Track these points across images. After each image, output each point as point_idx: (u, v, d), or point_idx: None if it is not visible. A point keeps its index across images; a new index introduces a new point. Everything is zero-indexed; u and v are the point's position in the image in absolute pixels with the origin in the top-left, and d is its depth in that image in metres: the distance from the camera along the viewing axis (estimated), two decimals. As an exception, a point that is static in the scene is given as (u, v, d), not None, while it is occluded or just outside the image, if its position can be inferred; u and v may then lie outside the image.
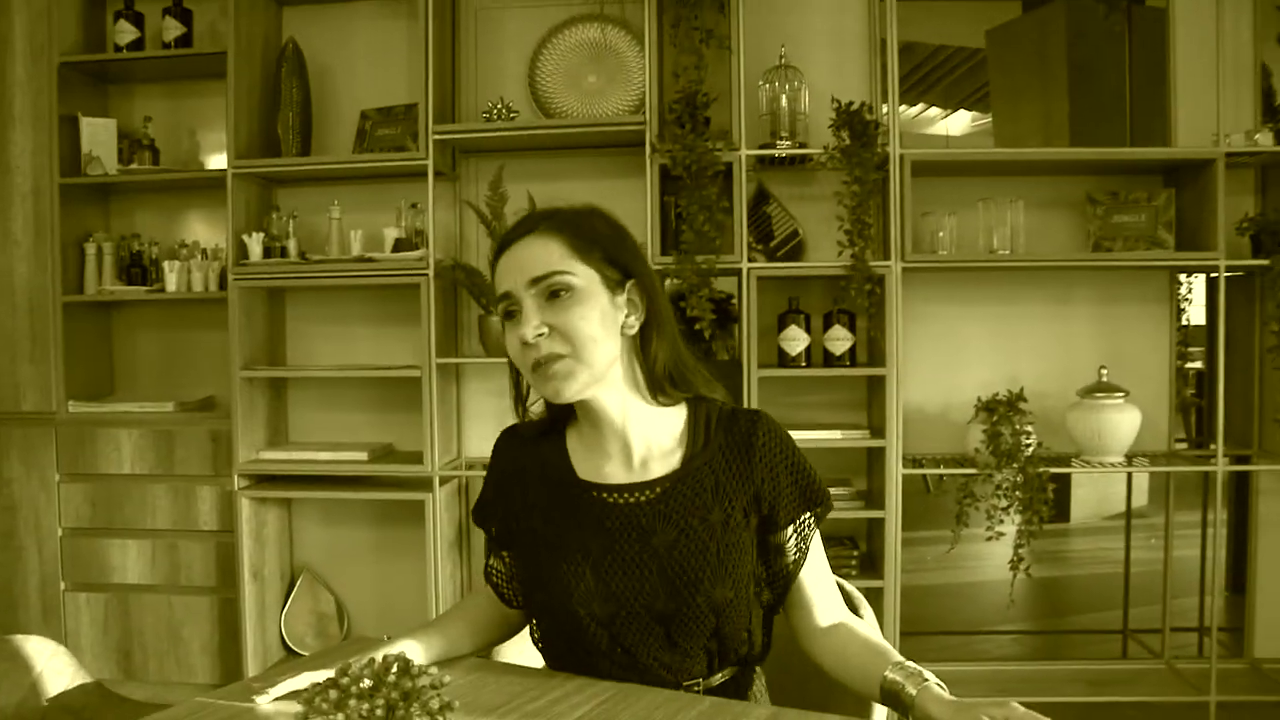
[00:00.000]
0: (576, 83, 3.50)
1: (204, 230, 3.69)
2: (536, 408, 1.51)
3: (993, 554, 3.55)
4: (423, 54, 3.29)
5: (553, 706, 1.23)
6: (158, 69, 3.64)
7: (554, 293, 1.34)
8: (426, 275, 3.27)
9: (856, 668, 1.35)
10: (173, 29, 3.52)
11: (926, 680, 1.25)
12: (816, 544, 1.45)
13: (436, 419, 3.31)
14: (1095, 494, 4.56)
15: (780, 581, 1.44)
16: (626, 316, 1.39)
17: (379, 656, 1.02)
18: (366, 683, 0.96)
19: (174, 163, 3.65)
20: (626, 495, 1.40)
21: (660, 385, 1.42)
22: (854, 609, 1.53)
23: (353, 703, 0.95)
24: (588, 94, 3.49)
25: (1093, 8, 3.85)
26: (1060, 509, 5.95)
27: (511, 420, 1.53)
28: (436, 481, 3.32)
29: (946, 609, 4.37)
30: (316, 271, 3.36)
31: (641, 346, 1.41)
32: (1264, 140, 3.27)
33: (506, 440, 1.53)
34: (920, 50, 4.99)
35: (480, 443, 3.62)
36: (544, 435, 1.49)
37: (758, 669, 1.48)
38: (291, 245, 3.41)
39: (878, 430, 3.30)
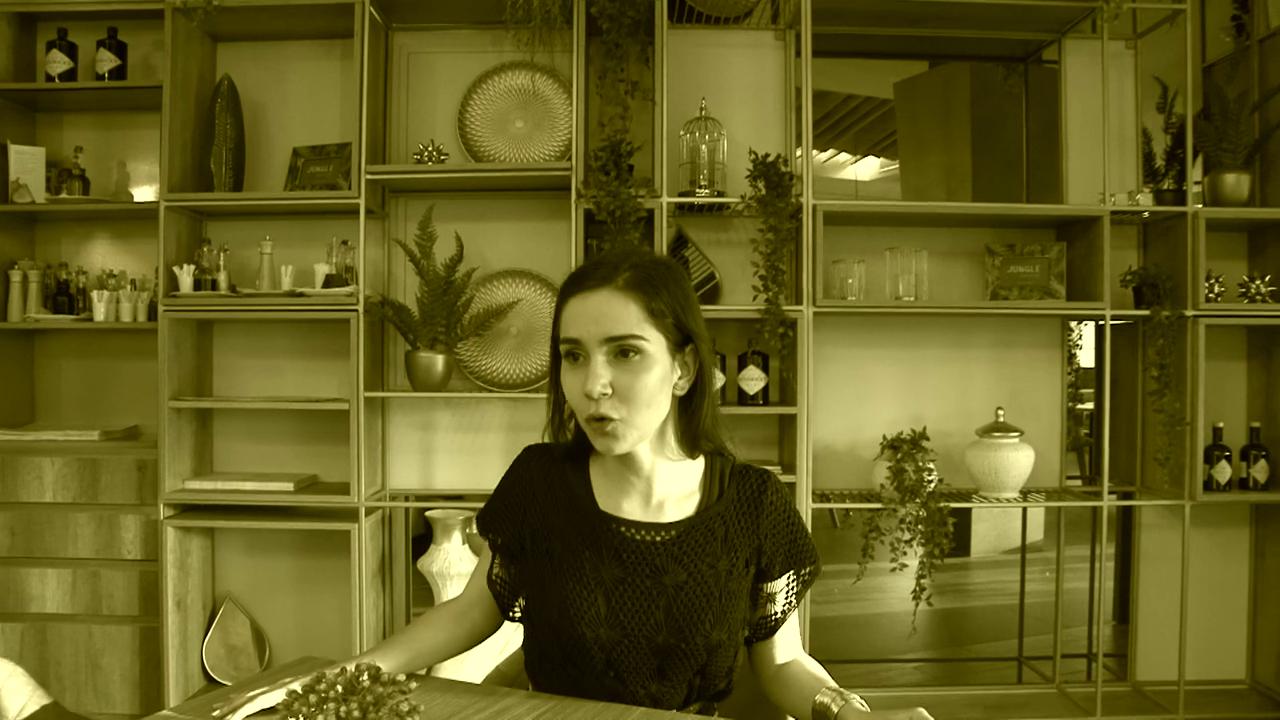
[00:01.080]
0: (504, 128, 3.63)
1: (132, 261, 3.72)
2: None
3: (896, 586, 3.73)
4: (356, 94, 3.38)
5: (496, 717, 1.34)
6: (90, 99, 3.67)
7: (624, 352, 1.42)
8: (357, 311, 3.35)
9: (797, 694, 1.50)
10: (107, 61, 3.56)
11: (848, 699, 1.41)
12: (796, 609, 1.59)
13: (363, 451, 3.39)
14: (994, 529, 4.79)
15: (764, 629, 1.57)
16: (679, 378, 1.48)
17: (351, 666, 1.13)
18: (339, 689, 1.06)
19: (103, 193, 3.68)
20: (644, 533, 1.49)
21: (696, 443, 1.51)
22: None
23: (329, 706, 1.04)
24: (515, 139, 3.62)
25: (993, 69, 4.10)
26: (961, 543, 6.21)
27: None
28: (362, 512, 3.39)
29: (853, 639, 4.55)
30: (248, 305, 3.42)
31: (686, 405, 1.50)
32: (1145, 200, 3.53)
33: (534, 456, 1.59)
34: (832, 99, 5.22)
35: (404, 474, 3.70)
36: (570, 458, 1.56)
37: (717, 707, 1.58)
38: (222, 278, 3.47)
39: (789, 466, 3.46)
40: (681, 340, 1.46)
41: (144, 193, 3.71)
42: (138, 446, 3.54)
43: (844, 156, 5.77)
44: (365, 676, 1.07)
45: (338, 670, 1.12)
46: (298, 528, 3.53)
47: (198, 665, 3.55)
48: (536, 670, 1.58)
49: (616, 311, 1.41)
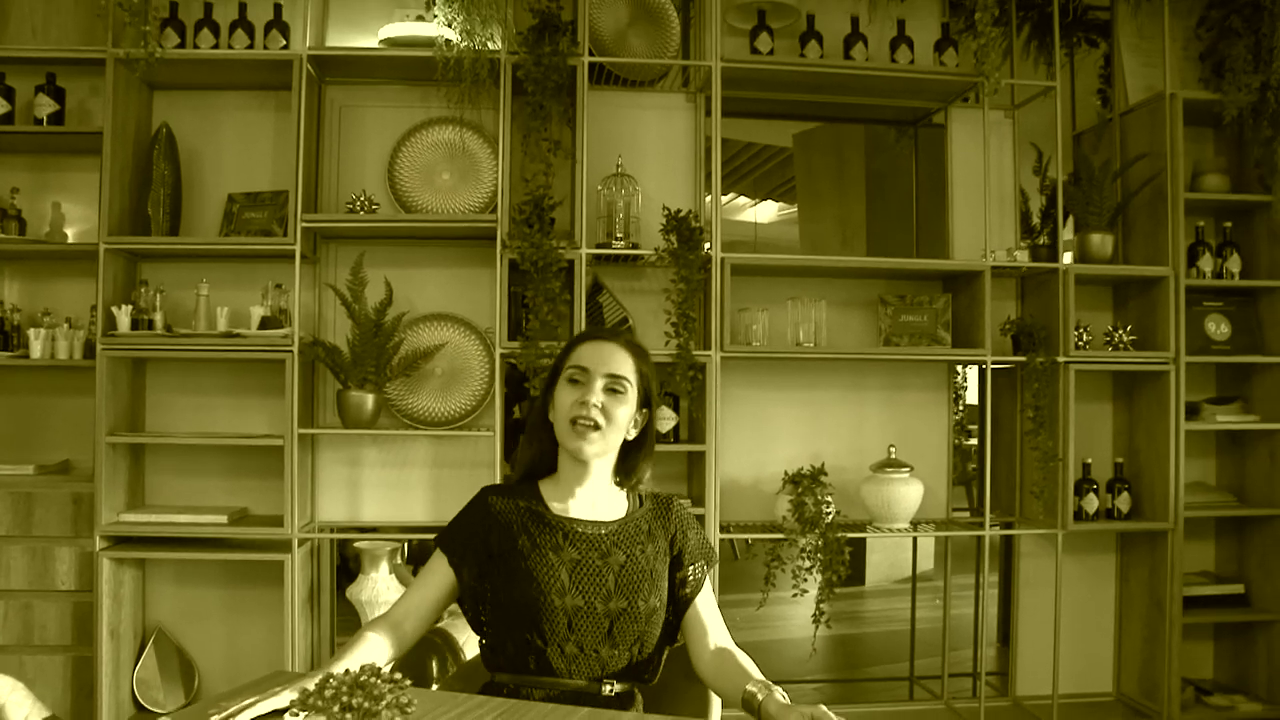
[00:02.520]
0: (431, 179, 3.84)
1: (67, 299, 3.81)
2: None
3: (796, 613, 4.00)
4: (291, 144, 3.57)
5: (463, 717, 1.57)
6: (27, 142, 3.77)
7: (613, 389, 1.93)
8: (291, 352, 3.52)
9: (729, 682, 1.85)
10: (46, 106, 3.66)
11: (772, 691, 1.74)
12: (708, 587, 2.02)
13: (296, 485, 3.55)
14: (887, 559, 5.11)
15: (681, 604, 1.98)
16: (633, 426, 1.98)
17: (354, 668, 1.33)
18: (349, 685, 1.27)
19: (38, 233, 3.77)
20: (591, 528, 1.95)
21: (628, 477, 2.04)
22: None
23: (344, 699, 1.26)
24: (441, 190, 3.83)
25: (886, 129, 4.44)
26: (856, 573, 6.57)
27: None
28: (295, 543, 3.55)
29: (758, 661, 4.81)
30: (187, 345, 3.56)
31: (628, 449, 2.01)
32: (1021, 257, 3.89)
33: (492, 492, 2.01)
34: (732, 145, 5.55)
35: (332, 506, 3.87)
36: (516, 490, 2.01)
37: (639, 697, 1.94)
38: (158, 318, 3.61)
39: (698, 499, 3.71)
40: (643, 402, 1.99)
41: (77, 232, 3.81)
42: (71, 480, 3.64)
43: (743, 200, 6.11)
44: (368, 676, 1.28)
45: (344, 671, 1.32)
46: (232, 559, 3.66)
47: (129, 694, 3.65)
48: (497, 654, 1.91)
49: (619, 359, 1.96)
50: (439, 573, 1.95)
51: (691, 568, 2.00)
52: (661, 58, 3.89)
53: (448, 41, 3.54)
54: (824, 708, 1.61)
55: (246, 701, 1.50)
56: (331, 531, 3.92)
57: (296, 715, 1.29)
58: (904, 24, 3.91)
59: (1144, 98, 4.07)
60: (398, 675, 1.37)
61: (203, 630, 3.83)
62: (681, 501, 2.12)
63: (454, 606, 2.00)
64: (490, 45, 3.56)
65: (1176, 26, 4.08)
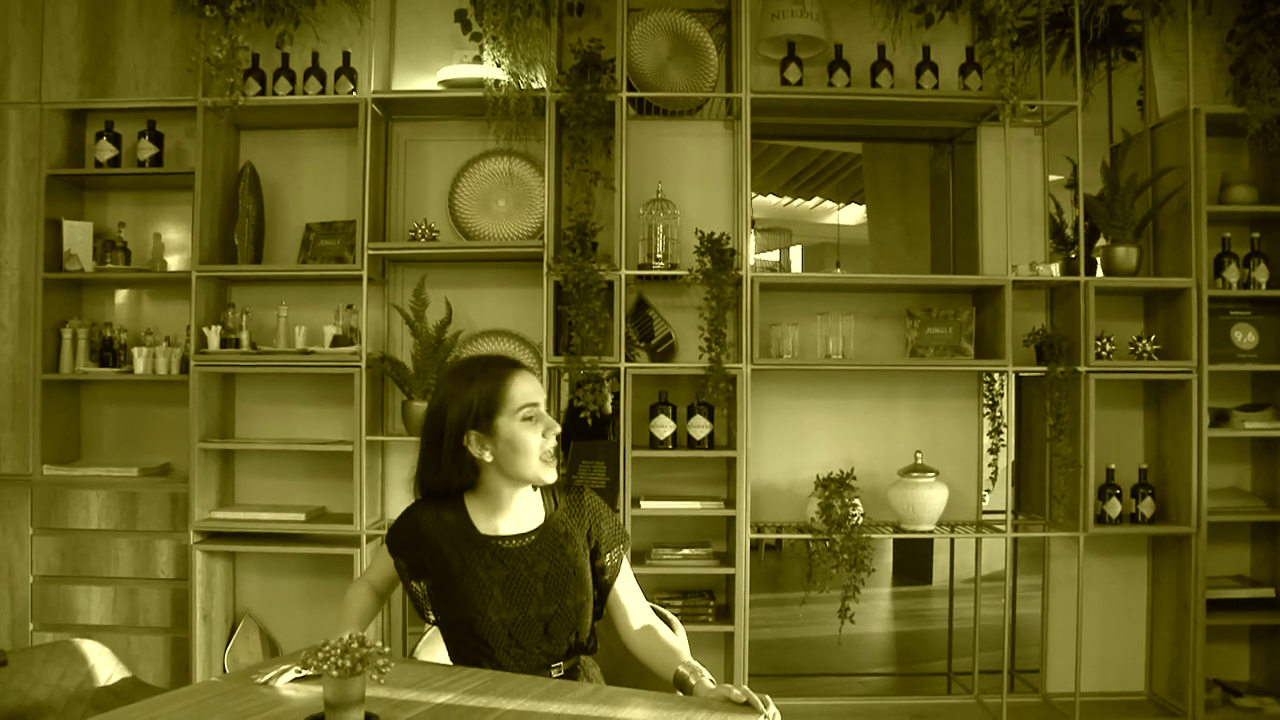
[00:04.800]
0: (488, 206, 4.19)
1: (165, 319, 4.29)
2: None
3: (857, 609, 4.17)
4: (360, 177, 3.95)
5: (454, 685, 1.91)
6: (131, 181, 4.25)
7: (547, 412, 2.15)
8: (359, 367, 3.91)
9: (659, 660, 2.10)
10: (147, 150, 4.13)
11: (700, 675, 1.96)
12: (627, 569, 2.24)
13: (365, 486, 3.94)
14: (957, 560, 5.25)
15: (603, 588, 2.20)
16: None
17: (345, 636, 1.66)
18: (339, 650, 1.61)
19: (141, 261, 4.24)
20: (515, 541, 2.14)
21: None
22: (673, 628, 2.36)
23: (334, 658, 1.59)
24: (497, 216, 4.18)
25: (925, 148, 4.62)
26: (922, 573, 6.71)
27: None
28: (364, 539, 3.94)
29: (796, 658, 5.06)
30: (267, 361, 3.99)
31: None
32: (1044, 272, 4.05)
33: (417, 510, 2.18)
34: (811, 153, 5.78)
35: (401, 506, 4.20)
36: (445, 504, 2.16)
37: (591, 659, 2.21)
38: (244, 337, 4.03)
39: (730, 502, 3.99)
40: None
41: (175, 260, 4.26)
42: (170, 481, 4.10)
43: (828, 204, 6.33)
44: (355, 643, 1.62)
45: (336, 639, 1.66)
46: (308, 552, 4.08)
47: (220, 671, 4.10)
48: (456, 658, 2.17)
49: (538, 385, 2.17)
50: (389, 563, 2.20)
51: (608, 555, 2.21)
52: (700, 88, 4.16)
53: (497, 82, 3.87)
54: (746, 687, 1.86)
55: (283, 667, 1.90)
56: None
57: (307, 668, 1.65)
58: (929, 50, 4.10)
59: (1173, 111, 4.18)
60: (378, 644, 1.68)
61: (285, 615, 4.25)
62: (593, 492, 2.31)
63: None
64: (535, 84, 3.88)
65: (1211, 39, 4.18)
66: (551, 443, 2.12)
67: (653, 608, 2.31)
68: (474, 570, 2.09)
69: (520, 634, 2.09)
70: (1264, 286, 4.09)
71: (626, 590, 2.24)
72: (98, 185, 4.31)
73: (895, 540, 6.32)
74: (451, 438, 2.10)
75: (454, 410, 2.10)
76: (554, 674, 2.13)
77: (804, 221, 6.30)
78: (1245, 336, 4.11)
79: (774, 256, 5.04)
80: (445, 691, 1.90)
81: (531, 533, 2.16)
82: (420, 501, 2.21)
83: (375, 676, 1.64)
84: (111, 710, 1.76)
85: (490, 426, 2.10)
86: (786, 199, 6.13)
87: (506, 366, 2.15)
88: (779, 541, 5.81)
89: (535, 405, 2.11)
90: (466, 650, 2.14)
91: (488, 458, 2.11)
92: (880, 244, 4.85)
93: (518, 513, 2.18)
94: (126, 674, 2.18)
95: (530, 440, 2.10)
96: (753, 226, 4.23)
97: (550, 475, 2.13)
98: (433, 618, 2.21)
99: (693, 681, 1.97)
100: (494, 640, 2.09)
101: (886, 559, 7.01)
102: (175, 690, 1.86)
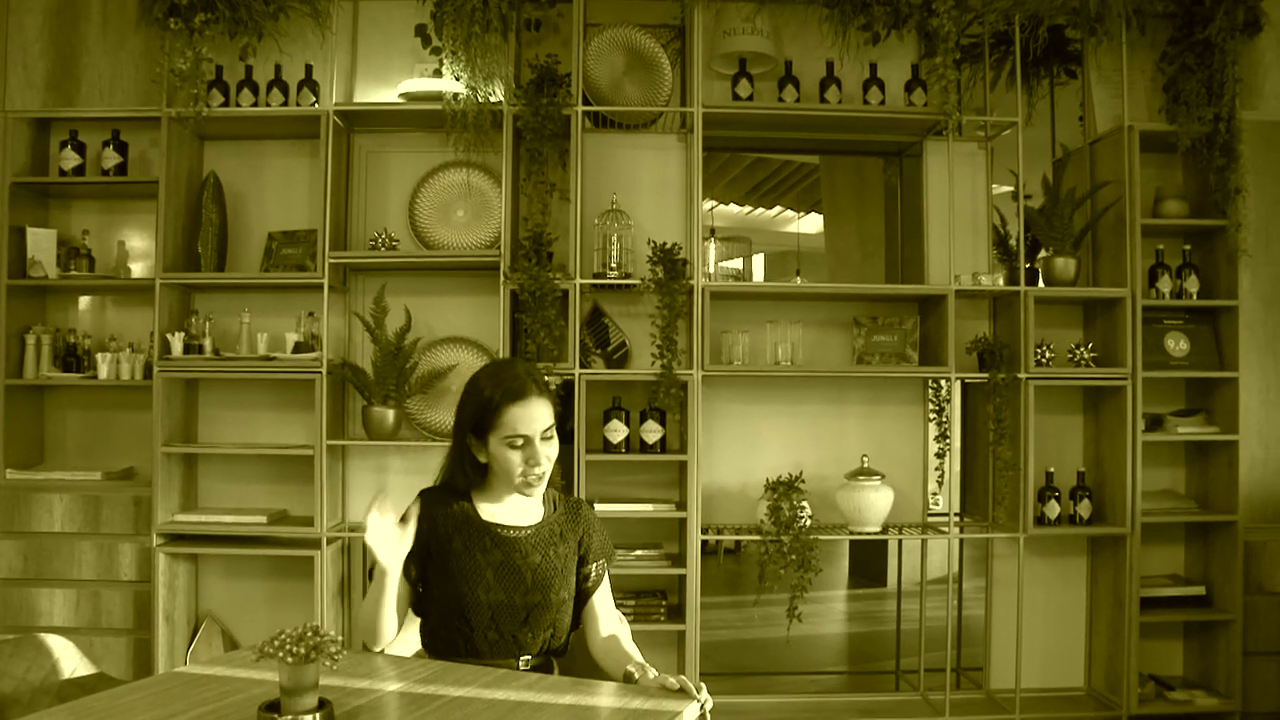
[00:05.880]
0: (447, 216, 4.29)
1: (130, 327, 4.36)
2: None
3: (811, 612, 4.31)
4: (322, 188, 4.04)
5: (404, 675, 2.01)
6: (95, 189, 4.31)
7: (546, 437, 2.27)
8: (320, 373, 4.00)
9: (615, 661, 2.25)
10: (111, 159, 4.20)
11: (647, 670, 2.08)
12: (607, 583, 2.40)
13: (325, 490, 4.02)
14: (906, 562, 5.40)
15: (582, 596, 2.37)
16: None
17: (301, 626, 1.75)
18: (293, 637, 1.70)
19: (105, 268, 4.31)
20: (513, 531, 2.31)
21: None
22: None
23: (290, 648, 1.68)
24: (456, 226, 4.28)
25: (876, 161, 4.77)
26: (877, 575, 6.86)
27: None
28: (324, 541, 4.03)
29: (749, 656, 5.19)
30: (229, 367, 4.07)
31: None
32: (986, 282, 4.19)
33: (431, 496, 2.33)
34: (771, 163, 5.91)
35: (361, 509, 4.33)
36: (457, 495, 2.33)
37: (555, 661, 2.35)
38: (207, 343, 4.11)
39: (681, 504, 4.10)
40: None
41: (139, 267, 4.33)
42: (133, 485, 4.17)
43: (789, 213, 6.46)
44: (309, 632, 1.71)
45: (294, 627, 1.75)
46: (269, 554, 4.16)
47: (182, 672, 4.16)
48: (434, 638, 2.32)
49: (544, 414, 2.28)
50: None
51: (594, 565, 2.39)
52: (655, 102, 4.27)
53: (456, 95, 3.97)
54: (683, 677, 1.99)
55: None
56: (360, 531, 4.37)
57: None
58: (876, 67, 4.25)
59: (1110, 128, 4.34)
60: (331, 633, 1.78)
61: (248, 617, 4.33)
62: (590, 504, 2.51)
63: None
64: (494, 98, 3.99)
65: (1145, 59, 4.35)
66: (537, 469, 2.26)
67: None
68: (472, 551, 2.26)
69: (501, 618, 2.25)
70: (1195, 297, 4.26)
71: (603, 601, 2.41)
72: (62, 193, 4.38)
73: (851, 543, 6.52)
74: (460, 435, 2.33)
75: (465, 411, 2.32)
76: (522, 666, 2.25)
77: (766, 230, 6.44)
78: (1178, 344, 4.27)
79: (737, 264, 5.16)
80: (396, 681, 2.01)
81: (530, 526, 2.33)
82: (432, 489, 2.37)
83: (328, 664, 1.74)
84: (75, 700, 1.85)
85: (484, 439, 2.29)
86: (748, 208, 6.27)
87: (513, 393, 2.26)
88: (737, 545, 5.92)
89: (523, 436, 2.24)
90: (447, 630, 2.27)
91: (483, 459, 2.31)
92: (837, 253, 4.99)
93: (520, 507, 2.36)
94: (91, 668, 2.26)
95: (513, 463, 2.26)
96: (712, 235, 4.37)
97: (530, 494, 2.31)
98: (424, 605, 2.32)
99: (637, 676, 2.09)
100: (476, 620, 2.24)
101: (843, 562, 7.17)
102: (138, 681, 1.95)
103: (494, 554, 2.27)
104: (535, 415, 2.26)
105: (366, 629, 2.26)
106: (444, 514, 2.31)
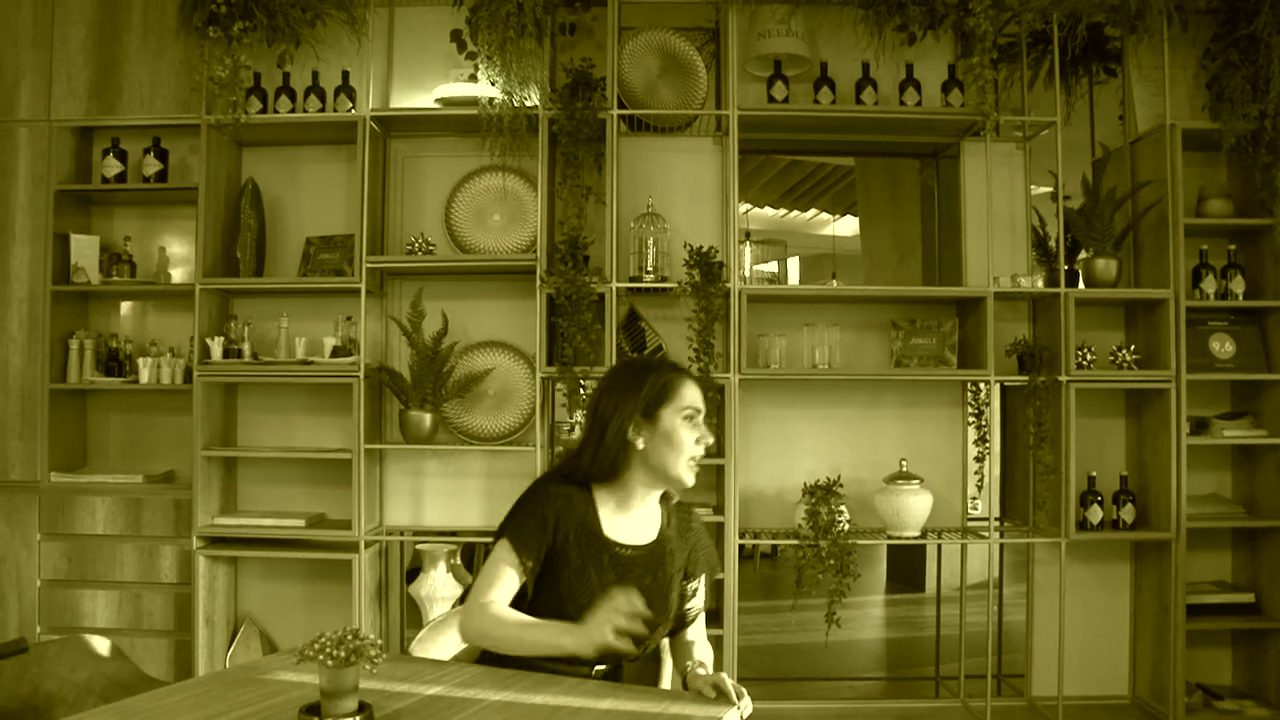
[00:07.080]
0: (483, 220, 4.30)
1: (169, 330, 4.40)
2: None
3: (850, 617, 4.28)
4: (358, 192, 4.07)
5: (443, 678, 2.00)
6: (136, 196, 4.37)
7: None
8: (358, 377, 4.02)
9: (679, 655, 2.29)
10: (152, 166, 4.25)
11: (698, 667, 2.08)
12: (702, 592, 2.34)
13: (363, 494, 4.04)
14: (946, 567, 5.35)
15: (687, 618, 2.32)
16: None
17: (342, 629, 1.75)
18: (334, 640, 1.70)
19: (146, 274, 4.36)
20: (629, 550, 2.22)
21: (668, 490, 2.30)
22: None
23: (329, 650, 1.69)
24: (492, 230, 4.29)
25: (913, 163, 4.73)
26: (915, 581, 6.80)
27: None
28: (362, 545, 4.04)
29: (813, 661, 5.16)
30: (268, 371, 4.11)
31: None
32: (1025, 283, 4.14)
33: (561, 489, 2.22)
34: (806, 165, 5.89)
35: (398, 512, 4.36)
36: (576, 493, 2.22)
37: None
38: (246, 348, 4.15)
39: (719, 508, 4.08)
40: None
41: (179, 273, 4.37)
42: (173, 488, 4.21)
43: (825, 216, 6.43)
44: (349, 635, 1.72)
45: (334, 631, 1.75)
46: (308, 557, 4.18)
47: (222, 674, 4.20)
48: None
49: (702, 398, 2.25)
50: (512, 566, 2.14)
51: (698, 581, 2.31)
52: (690, 105, 4.27)
53: (491, 100, 3.99)
54: (723, 675, 1.98)
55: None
56: (397, 534, 4.40)
57: None
58: (912, 67, 4.22)
59: (1151, 126, 4.28)
60: (371, 636, 1.78)
61: (286, 619, 4.36)
62: (700, 517, 2.41)
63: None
64: (529, 102, 4.00)
65: (1187, 57, 4.29)
66: (701, 450, 2.20)
67: None
68: (587, 569, 2.16)
69: None
70: (1241, 297, 4.19)
71: (697, 622, 2.36)
72: (104, 200, 4.43)
73: (889, 549, 6.48)
74: (619, 419, 2.19)
75: (625, 396, 2.20)
76: (594, 673, 2.19)
77: (801, 232, 6.42)
78: (1223, 346, 4.20)
79: (772, 267, 5.14)
80: (435, 684, 2.00)
81: (645, 545, 2.24)
82: (554, 481, 2.25)
83: (368, 667, 1.74)
84: (119, 700, 1.86)
85: (654, 415, 2.19)
86: (784, 210, 6.25)
87: (681, 372, 2.27)
88: (774, 550, 5.90)
89: (699, 410, 2.21)
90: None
91: (640, 445, 2.19)
92: (873, 255, 4.97)
93: (639, 518, 2.27)
94: (133, 669, 2.29)
95: (685, 439, 2.18)
96: (748, 238, 4.36)
97: (690, 479, 2.20)
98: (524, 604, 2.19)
99: (688, 670, 2.09)
100: None
101: (880, 568, 7.14)
102: (180, 682, 1.96)
103: (609, 574, 2.18)
104: (700, 394, 2.25)
105: (488, 640, 2.15)
106: (567, 517, 2.20)
